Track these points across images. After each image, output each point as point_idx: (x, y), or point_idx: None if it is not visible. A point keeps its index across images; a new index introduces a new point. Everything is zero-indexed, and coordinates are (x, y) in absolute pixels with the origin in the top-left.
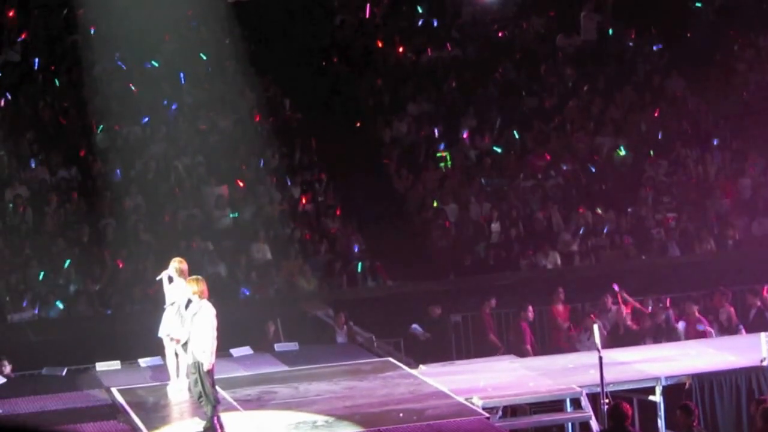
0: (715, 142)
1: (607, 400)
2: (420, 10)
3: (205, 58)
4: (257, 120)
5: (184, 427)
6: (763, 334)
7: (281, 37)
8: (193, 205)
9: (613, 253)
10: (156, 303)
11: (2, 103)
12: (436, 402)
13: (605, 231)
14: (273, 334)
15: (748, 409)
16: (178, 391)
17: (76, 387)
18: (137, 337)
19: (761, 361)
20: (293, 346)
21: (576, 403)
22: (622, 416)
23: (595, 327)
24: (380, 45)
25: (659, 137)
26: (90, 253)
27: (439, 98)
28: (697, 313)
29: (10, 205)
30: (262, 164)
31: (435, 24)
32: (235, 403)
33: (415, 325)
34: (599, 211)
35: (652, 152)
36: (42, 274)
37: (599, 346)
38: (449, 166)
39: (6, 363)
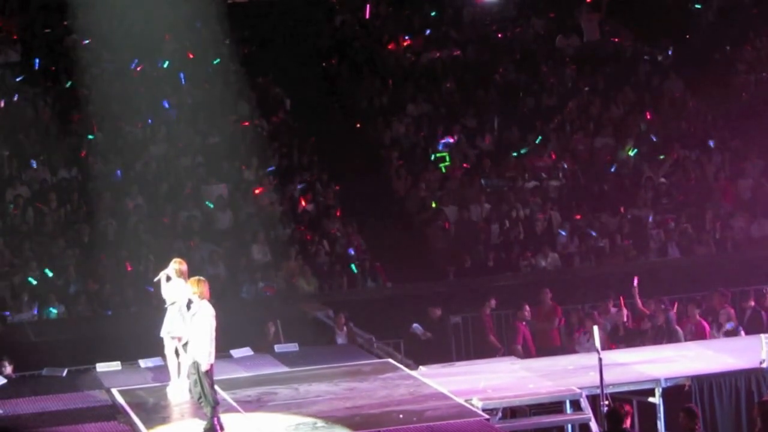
0: (713, 144)
1: (606, 402)
2: (420, 11)
3: (216, 62)
4: (257, 121)
5: (184, 427)
6: (762, 336)
7: (281, 38)
8: (193, 205)
9: (612, 255)
10: (156, 303)
11: (2, 104)
12: (436, 403)
13: (606, 234)
14: (273, 335)
15: (747, 410)
16: (179, 392)
17: (76, 388)
18: (138, 337)
19: (760, 363)
20: (293, 347)
21: (576, 405)
22: (619, 419)
23: (595, 328)
24: (380, 46)
25: (657, 138)
26: (90, 253)
27: (439, 99)
28: (697, 316)
29: (11, 205)
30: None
31: (435, 25)
32: (235, 405)
33: (415, 325)
34: (598, 213)
35: (650, 158)
36: (49, 272)
37: (599, 348)
38: (449, 166)
39: (6, 363)
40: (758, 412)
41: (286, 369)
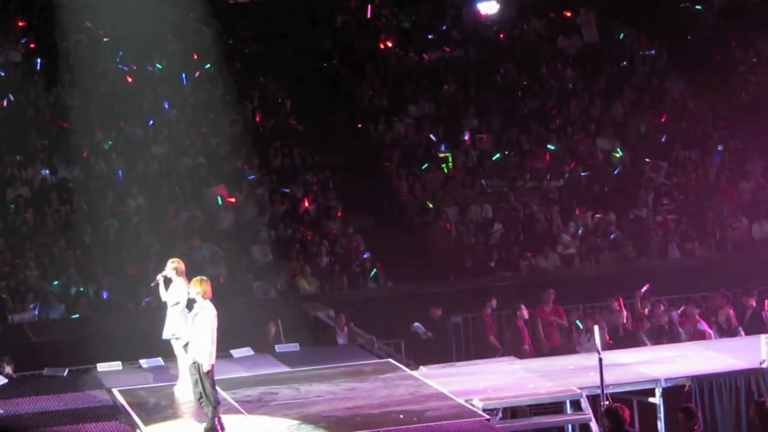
0: (714, 145)
1: (607, 402)
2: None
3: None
4: (258, 121)
5: (185, 428)
6: (762, 337)
7: (282, 38)
8: (194, 206)
9: (612, 255)
10: (157, 303)
11: (4, 104)
12: (436, 403)
13: (611, 237)
14: (274, 335)
15: (747, 411)
16: (184, 391)
17: (77, 388)
18: (138, 337)
19: (761, 363)
20: (294, 347)
21: (576, 405)
22: (619, 419)
23: (596, 329)
24: (381, 46)
25: (657, 139)
26: (92, 253)
27: (440, 99)
28: (697, 316)
29: (11, 206)
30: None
31: (435, 25)
32: (236, 405)
33: (416, 324)
34: (599, 214)
35: (650, 159)
36: (56, 283)
37: (599, 348)
38: (451, 167)
39: (7, 364)
40: (755, 413)
41: (286, 369)
